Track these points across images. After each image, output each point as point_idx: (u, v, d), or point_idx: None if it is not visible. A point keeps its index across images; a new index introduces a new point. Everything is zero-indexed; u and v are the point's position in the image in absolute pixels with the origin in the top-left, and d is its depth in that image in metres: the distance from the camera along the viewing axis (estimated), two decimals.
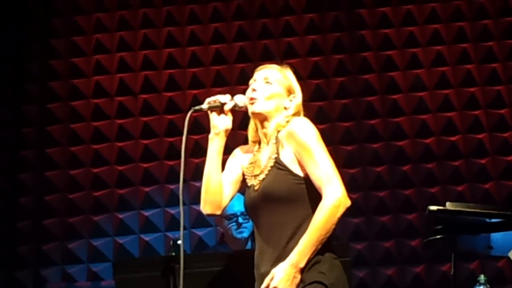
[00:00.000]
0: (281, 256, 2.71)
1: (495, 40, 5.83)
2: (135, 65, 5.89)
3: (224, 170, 2.99)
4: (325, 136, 5.58)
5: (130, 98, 5.82)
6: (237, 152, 3.06)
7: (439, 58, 5.80)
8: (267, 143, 2.91)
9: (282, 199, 2.76)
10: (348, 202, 2.72)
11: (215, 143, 2.92)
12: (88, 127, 5.76)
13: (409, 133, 5.66)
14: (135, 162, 5.68)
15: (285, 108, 2.91)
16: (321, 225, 2.65)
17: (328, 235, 2.67)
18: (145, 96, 5.81)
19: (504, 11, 5.89)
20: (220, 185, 2.93)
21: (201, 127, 5.35)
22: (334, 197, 2.68)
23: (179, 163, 5.59)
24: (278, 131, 2.87)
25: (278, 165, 2.80)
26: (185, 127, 2.90)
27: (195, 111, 2.92)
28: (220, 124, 2.91)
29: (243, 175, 2.96)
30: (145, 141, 5.71)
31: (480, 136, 5.61)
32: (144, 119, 5.76)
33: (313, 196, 2.75)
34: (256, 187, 2.85)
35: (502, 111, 5.67)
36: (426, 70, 5.79)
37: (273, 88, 2.93)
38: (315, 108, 5.62)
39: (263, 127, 2.93)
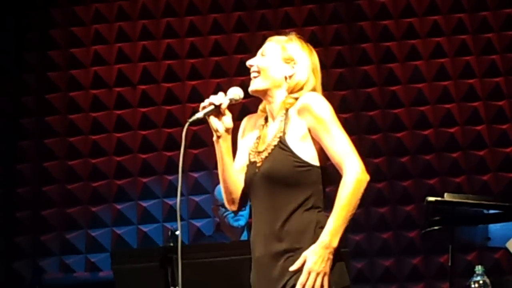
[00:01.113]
0: (274, 238, 2.65)
1: (494, 32, 5.82)
2: (134, 55, 5.88)
3: (236, 158, 2.89)
4: None
5: (128, 88, 5.82)
6: (244, 127, 2.94)
7: (438, 49, 5.79)
8: (274, 119, 2.80)
9: (281, 181, 2.67)
10: (367, 177, 2.65)
11: (221, 146, 2.81)
12: (87, 118, 5.75)
13: (408, 125, 5.66)
14: (133, 153, 5.68)
15: (285, 78, 2.78)
16: (348, 201, 2.60)
17: (354, 211, 2.63)
18: (143, 86, 5.81)
19: (503, 2, 5.87)
20: (236, 182, 2.84)
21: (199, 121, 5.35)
22: (356, 171, 2.62)
23: (178, 154, 5.59)
24: (287, 109, 2.76)
25: (282, 145, 2.70)
26: (183, 141, 2.75)
27: (192, 123, 2.77)
28: (220, 126, 2.78)
29: (249, 154, 2.85)
30: (143, 132, 5.71)
31: (478, 128, 5.61)
32: (143, 109, 5.75)
33: (313, 181, 2.69)
34: (258, 165, 2.76)
35: (500, 103, 5.67)
36: (425, 61, 5.79)
37: (266, 60, 2.80)
38: None
39: (268, 102, 2.82)
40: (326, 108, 2.69)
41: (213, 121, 2.78)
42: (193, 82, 5.80)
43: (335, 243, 2.57)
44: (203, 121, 2.79)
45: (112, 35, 5.93)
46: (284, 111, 2.76)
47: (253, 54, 5.73)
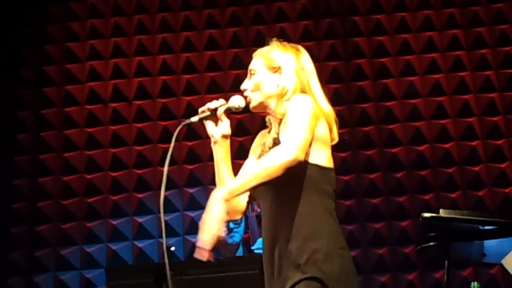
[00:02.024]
0: (277, 240, 2.61)
1: (489, 48, 5.85)
2: (129, 71, 5.90)
3: (244, 165, 2.84)
4: None
5: (124, 104, 5.82)
6: (256, 141, 2.91)
7: (433, 65, 5.81)
8: (274, 127, 2.78)
9: (278, 182, 2.55)
10: (299, 157, 2.50)
11: (218, 151, 2.77)
12: (82, 133, 5.76)
13: (403, 140, 5.67)
14: (128, 168, 5.68)
15: (277, 86, 2.74)
16: (266, 167, 2.49)
17: (266, 179, 2.49)
18: (139, 102, 5.81)
19: (497, 19, 5.91)
20: None
21: (196, 133, 5.37)
22: (290, 146, 2.50)
23: (173, 170, 5.60)
24: (281, 119, 2.72)
25: (276, 145, 2.63)
26: (172, 141, 2.65)
27: (186, 125, 2.71)
28: (216, 132, 2.75)
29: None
30: (139, 147, 5.71)
31: (473, 143, 5.62)
32: (138, 125, 5.76)
33: (311, 179, 2.64)
34: None
35: (495, 119, 5.68)
36: (420, 77, 5.81)
37: (255, 78, 2.79)
38: None
39: (268, 113, 2.80)
40: (299, 108, 2.62)
41: (209, 126, 2.77)
42: (188, 98, 5.80)
43: (225, 195, 2.47)
44: (208, 117, 2.75)
45: (107, 51, 5.94)
46: (280, 117, 2.73)
47: (247, 69, 5.79)
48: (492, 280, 5.31)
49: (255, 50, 6.16)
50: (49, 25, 6.03)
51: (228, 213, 2.58)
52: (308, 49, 5.81)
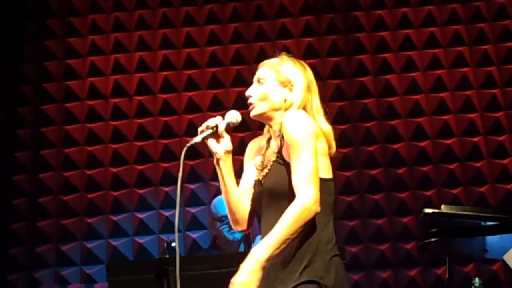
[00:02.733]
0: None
1: (491, 44, 5.83)
2: (130, 66, 5.89)
3: (242, 179, 2.94)
4: None
5: (125, 99, 5.81)
6: (250, 150, 2.98)
7: (435, 61, 5.80)
8: (275, 139, 2.84)
9: (282, 194, 2.69)
10: (317, 208, 2.60)
11: (222, 168, 2.82)
12: (83, 129, 5.74)
13: (405, 136, 5.66)
14: (129, 164, 5.67)
15: (285, 100, 2.80)
16: (289, 224, 2.56)
17: (294, 236, 2.57)
18: (140, 97, 5.80)
19: (499, 14, 5.89)
20: (239, 203, 2.88)
21: (196, 129, 5.35)
22: (306, 200, 2.58)
23: (174, 165, 5.60)
24: (279, 125, 2.79)
25: (279, 159, 2.76)
26: (181, 167, 2.74)
27: (190, 147, 2.76)
28: (219, 149, 2.80)
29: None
30: (139, 143, 5.70)
31: (475, 139, 5.61)
32: (139, 121, 5.75)
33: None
34: (261, 182, 2.82)
35: (497, 114, 5.67)
36: (422, 73, 5.80)
37: (264, 87, 2.83)
38: None
39: (269, 124, 2.86)
40: (300, 129, 2.67)
41: (211, 144, 2.81)
42: (189, 93, 5.79)
43: (263, 258, 2.55)
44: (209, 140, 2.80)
45: (108, 46, 5.93)
46: (280, 127, 2.78)
47: (249, 65, 5.79)
48: (494, 276, 5.30)
49: (256, 46, 6.23)
50: (49, 20, 6.02)
51: (236, 222, 2.90)
52: (309, 45, 5.85)
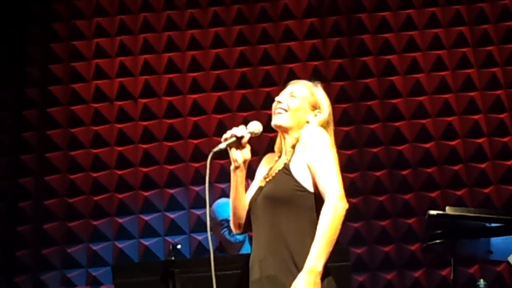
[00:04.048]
0: (267, 257, 2.77)
1: (495, 45, 5.83)
2: (135, 69, 5.90)
3: (250, 186, 3.07)
4: None
5: (130, 102, 5.83)
6: (263, 162, 3.14)
7: (439, 62, 5.80)
8: (286, 153, 2.98)
9: (280, 201, 2.80)
10: (346, 205, 2.77)
11: (237, 175, 2.96)
12: (88, 132, 5.76)
13: (409, 138, 5.66)
14: (134, 167, 5.68)
15: (307, 122, 2.97)
16: (328, 226, 2.70)
17: (336, 236, 2.73)
18: (145, 100, 5.82)
19: (503, 16, 5.89)
20: (245, 209, 3.00)
21: (201, 131, 5.38)
22: (335, 199, 2.74)
23: (179, 167, 5.61)
24: (298, 141, 2.94)
25: (285, 170, 2.88)
26: (207, 173, 2.85)
27: (215, 153, 2.90)
28: (239, 157, 2.93)
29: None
30: (145, 145, 5.72)
31: (480, 140, 5.61)
32: (144, 123, 5.76)
33: (309, 207, 2.81)
34: (262, 187, 2.94)
35: (502, 116, 5.67)
36: (426, 74, 5.80)
37: (297, 102, 2.98)
38: None
39: (284, 138, 3.00)
40: (323, 140, 2.84)
41: (233, 152, 2.94)
42: (194, 96, 5.80)
43: (320, 267, 2.67)
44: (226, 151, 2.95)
45: (113, 49, 5.95)
46: (294, 143, 2.95)
47: (254, 67, 5.80)
48: (499, 277, 5.30)
49: (260, 48, 6.24)
50: (55, 23, 6.04)
51: (237, 225, 3.01)
52: (313, 47, 5.85)
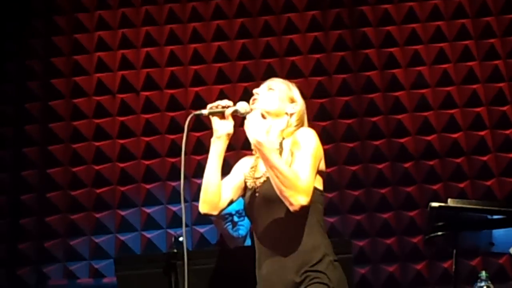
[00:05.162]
0: (280, 257, 2.78)
1: (497, 37, 5.83)
2: (137, 62, 5.91)
3: (228, 175, 3.07)
4: (327, 134, 5.61)
5: (132, 95, 5.83)
6: (242, 161, 3.14)
7: (441, 55, 5.80)
8: None
9: (279, 201, 2.78)
10: (305, 202, 2.73)
11: (216, 146, 2.98)
12: (90, 124, 5.77)
13: (411, 130, 5.66)
14: (137, 159, 5.69)
15: (286, 113, 3.00)
16: (281, 168, 2.73)
17: (273, 171, 2.74)
18: (147, 93, 5.82)
19: (506, 8, 5.88)
20: (218, 187, 2.98)
21: (203, 124, 5.37)
22: (300, 188, 2.74)
23: (181, 160, 5.61)
24: (283, 138, 2.96)
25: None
26: (185, 132, 2.91)
27: (196, 116, 2.96)
28: (221, 128, 2.96)
29: (245, 182, 3.03)
30: (147, 138, 5.72)
31: (482, 133, 5.61)
32: (146, 116, 5.77)
33: (314, 201, 2.81)
34: (257, 190, 2.94)
35: (504, 108, 5.66)
36: (428, 67, 5.80)
37: (276, 94, 3.02)
38: (317, 105, 5.64)
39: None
40: (312, 141, 2.86)
41: (216, 121, 2.99)
42: (196, 89, 5.81)
43: (263, 142, 2.76)
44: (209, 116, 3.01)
45: (115, 42, 5.95)
46: (279, 141, 2.96)
47: (256, 60, 5.80)
48: (501, 269, 5.31)
49: (263, 40, 6.22)
50: (56, 16, 6.04)
51: (207, 204, 2.97)
52: (315, 39, 5.85)
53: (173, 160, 5.63)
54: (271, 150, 2.75)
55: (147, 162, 5.67)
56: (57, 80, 5.88)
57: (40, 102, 5.85)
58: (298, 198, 2.71)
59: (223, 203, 3.00)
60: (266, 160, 2.75)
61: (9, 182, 5.70)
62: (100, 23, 5.99)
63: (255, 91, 3.05)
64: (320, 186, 2.90)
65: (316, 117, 5.56)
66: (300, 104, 3.05)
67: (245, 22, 5.96)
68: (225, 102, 2.98)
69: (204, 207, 3.00)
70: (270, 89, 3.04)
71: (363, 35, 5.88)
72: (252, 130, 2.76)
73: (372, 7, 5.95)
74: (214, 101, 3.01)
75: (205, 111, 2.96)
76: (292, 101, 3.04)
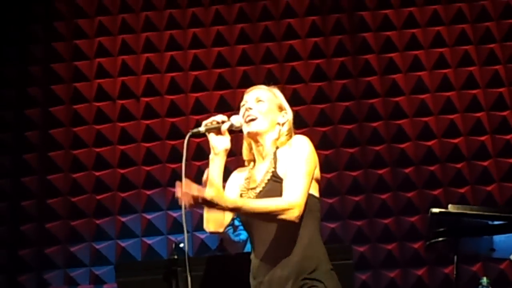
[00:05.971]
0: (277, 266, 2.76)
1: (497, 42, 5.83)
2: (137, 68, 5.91)
3: (224, 192, 3.02)
4: (327, 139, 5.61)
5: (132, 101, 5.83)
6: (234, 174, 3.11)
7: (441, 60, 5.80)
8: (263, 159, 2.95)
9: None
10: (296, 217, 2.72)
11: (216, 163, 2.94)
12: (91, 131, 5.77)
13: (411, 136, 5.66)
14: (137, 165, 5.69)
15: (278, 123, 2.98)
16: (264, 207, 2.71)
17: (259, 216, 2.74)
18: (147, 99, 5.83)
19: (506, 13, 5.89)
20: None
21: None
22: (293, 203, 2.72)
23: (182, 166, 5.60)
24: (277, 147, 2.93)
25: (275, 178, 2.85)
26: (184, 151, 2.84)
27: (193, 134, 2.92)
28: (219, 144, 2.93)
29: (241, 194, 2.99)
30: (147, 144, 5.72)
31: (482, 138, 5.61)
32: (146, 122, 5.77)
33: (311, 209, 2.80)
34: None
35: (504, 113, 5.67)
36: (428, 72, 5.80)
37: (266, 106, 2.98)
38: (317, 111, 5.64)
39: (258, 144, 2.97)
40: (306, 150, 2.84)
41: (213, 137, 2.94)
42: (196, 94, 5.81)
43: (221, 205, 2.68)
44: (204, 134, 2.94)
45: (115, 48, 5.95)
46: (273, 151, 2.93)
47: (256, 65, 5.79)
48: (502, 275, 5.30)
49: (263, 46, 6.21)
50: (57, 22, 6.05)
51: (213, 223, 2.95)
52: (315, 45, 5.85)
53: (173, 166, 5.62)
54: (233, 202, 2.72)
55: (147, 168, 5.67)
56: (57, 86, 5.89)
57: (40, 108, 5.85)
58: (290, 215, 2.70)
59: (227, 219, 2.99)
60: (237, 211, 2.75)
61: (9, 188, 5.70)
62: (100, 29, 6.00)
63: (246, 106, 2.99)
64: (316, 193, 2.87)
65: (316, 122, 5.57)
66: (289, 112, 3.04)
67: (245, 27, 5.97)
68: (220, 117, 2.94)
69: (209, 226, 2.98)
70: (260, 100, 3.00)
71: (363, 40, 5.88)
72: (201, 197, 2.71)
73: (372, 13, 5.96)
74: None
75: (201, 129, 2.92)
76: (281, 109, 3.02)
